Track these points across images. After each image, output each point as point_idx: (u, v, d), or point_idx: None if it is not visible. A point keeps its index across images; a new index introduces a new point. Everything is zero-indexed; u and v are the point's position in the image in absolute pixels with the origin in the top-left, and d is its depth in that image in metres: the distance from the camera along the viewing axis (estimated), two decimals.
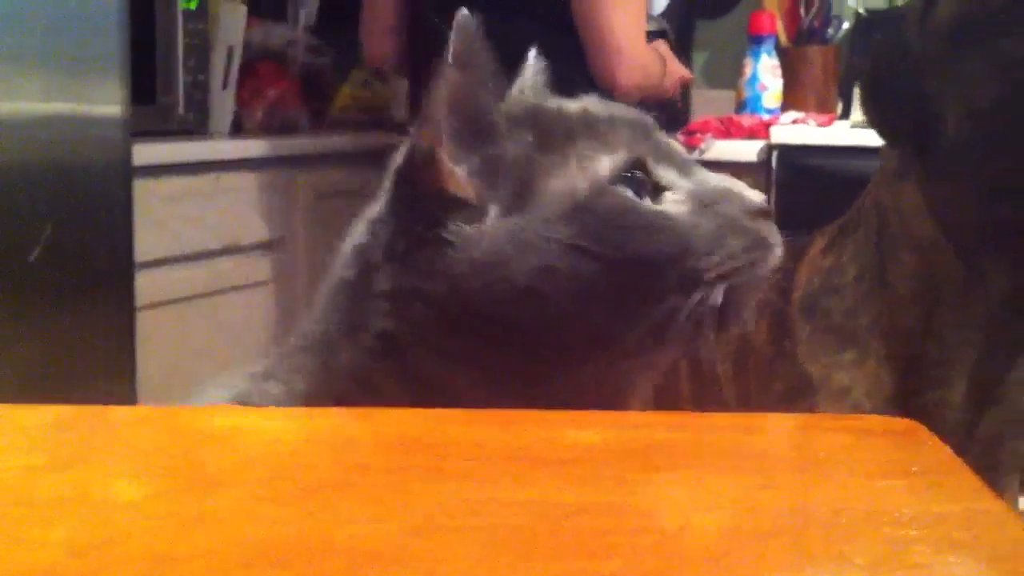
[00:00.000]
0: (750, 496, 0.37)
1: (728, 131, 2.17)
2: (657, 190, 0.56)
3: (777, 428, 0.45)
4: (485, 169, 0.55)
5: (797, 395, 0.79)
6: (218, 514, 0.36)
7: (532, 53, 0.67)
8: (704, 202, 0.56)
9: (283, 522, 0.35)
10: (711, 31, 2.64)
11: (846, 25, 2.50)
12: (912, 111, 0.75)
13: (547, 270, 0.53)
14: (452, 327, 0.54)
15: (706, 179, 0.58)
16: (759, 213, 0.57)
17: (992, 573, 0.32)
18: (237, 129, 2.19)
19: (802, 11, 2.47)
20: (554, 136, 0.56)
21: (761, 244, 0.56)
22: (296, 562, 0.32)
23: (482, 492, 0.38)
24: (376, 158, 1.94)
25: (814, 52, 2.48)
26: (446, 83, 0.53)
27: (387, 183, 0.57)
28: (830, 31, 2.51)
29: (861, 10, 2.39)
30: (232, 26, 2.17)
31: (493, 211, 0.54)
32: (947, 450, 0.42)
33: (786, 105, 2.39)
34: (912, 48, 0.76)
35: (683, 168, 0.58)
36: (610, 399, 0.57)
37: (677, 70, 1.94)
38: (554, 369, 0.55)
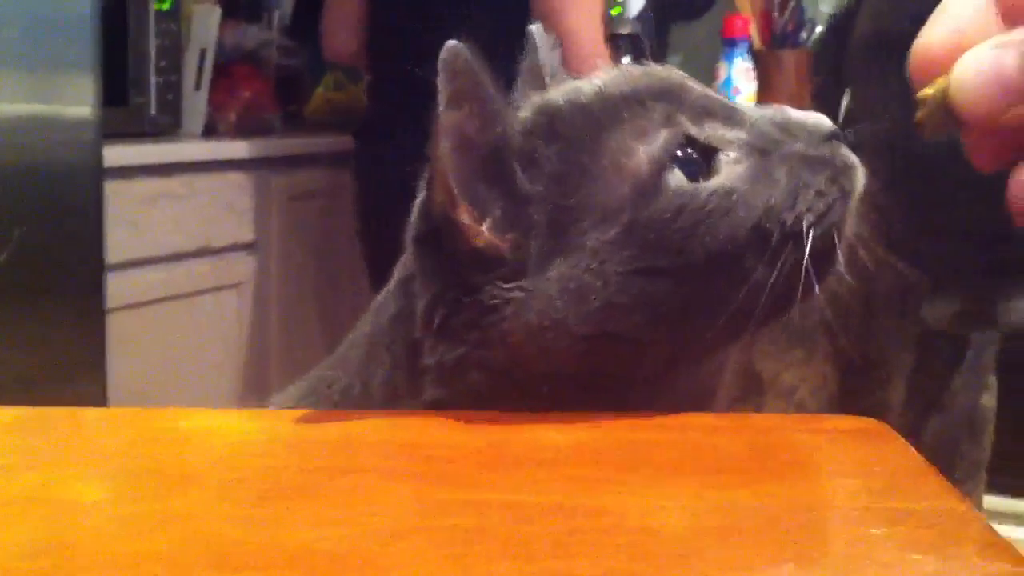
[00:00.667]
0: (718, 496, 0.37)
1: None
2: (708, 155, 0.49)
3: (744, 428, 0.45)
4: (513, 216, 0.48)
5: (748, 393, 0.80)
6: (181, 516, 0.35)
7: (535, 28, 0.59)
8: (765, 149, 0.49)
9: (247, 525, 0.35)
10: (686, 34, 2.65)
11: (820, 29, 2.51)
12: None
13: (611, 308, 0.46)
14: (515, 386, 0.48)
15: (757, 120, 0.50)
16: (828, 136, 0.50)
17: (956, 572, 0.32)
18: (210, 131, 2.17)
19: (775, 15, 2.48)
20: (578, 140, 0.49)
21: (843, 172, 0.49)
22: (259, 565, 0.32)
23: (453, 494, 0.38)
24: (350, 160, 1.93)
25: (787, 55, 2.49)
26: (446, 131, 0.45)
27: (408, 248, 0.51)
28: (803, 34, 2.51)
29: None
30: (205, 27, 2.16)
31: (534, 260, 0.47)
32: (912, 450, 0.43)
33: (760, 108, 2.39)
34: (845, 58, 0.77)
35: (728, 117, 0.50)
36: (704, 390, 0.52)
37: None
38: (635, 386, 0.48)
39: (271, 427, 0.47)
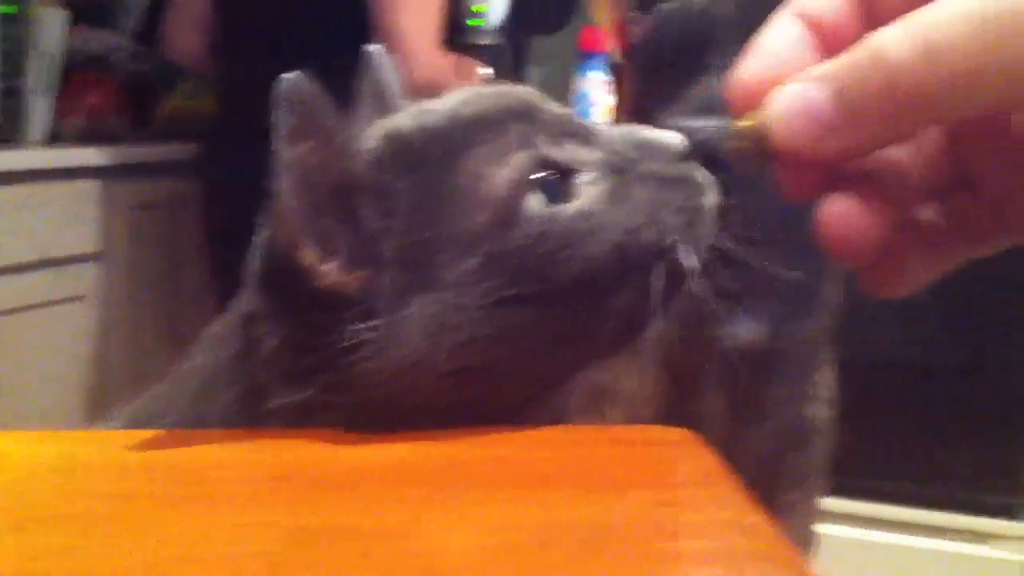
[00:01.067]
0: (518, 512, 0.37)
1: None
2: (565, 176, 0.47)
3: (553, 440, 0.45)
4: (362, 253, 0.45)
5: (592, 404, 0.80)
6: None
7: (375, 48, 0.57)
8: (622, 169, 0.48)
9: (24, 555, 0.33)
10: (546, 46, 2.67)
11: None
12: None
13: (475, 343, 0.45)
14: (365, 425, 0.45)
15: (613, 140, 0.50)
16: (681, 155, 0.49)
17: None
18: (56, 138, 2.10)
19: (634, 27, 2.51)
20: (431, 168, 0.47)
21: (698, 189, 0.49)
22: None
23: (244, 517, 0.37)
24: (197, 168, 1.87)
25: None
26: (287, 167, 0.42)
27: (251, 287, 0.48)
28: None
29: None
30: (52, 32, 2.08)
31: (390, 297, 0.45)
32: (717, 460, 0.43)
33: (619, 120, 2.43)
34: None
35: (585, 137, 0.49)
36: (562, 406, 0.50)
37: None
38: (495, 415, 0.47)
39: (67, 450, 0.45)
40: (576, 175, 0.48)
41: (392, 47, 1.76)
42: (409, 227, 0.46)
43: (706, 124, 0.65)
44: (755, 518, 0.37)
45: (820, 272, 0.76)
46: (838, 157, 0.38)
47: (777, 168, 0.40)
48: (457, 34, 1.97)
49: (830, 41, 0.38)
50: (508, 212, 0.46)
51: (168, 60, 2.06)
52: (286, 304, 0.46)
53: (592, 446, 0.45)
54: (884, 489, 2.02)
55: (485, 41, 2.10)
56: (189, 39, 1.89)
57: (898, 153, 0.42)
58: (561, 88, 2.59)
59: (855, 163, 0.41)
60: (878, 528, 2.03)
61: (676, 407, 0.61)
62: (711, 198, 0.49)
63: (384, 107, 0.54)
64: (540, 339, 0.46)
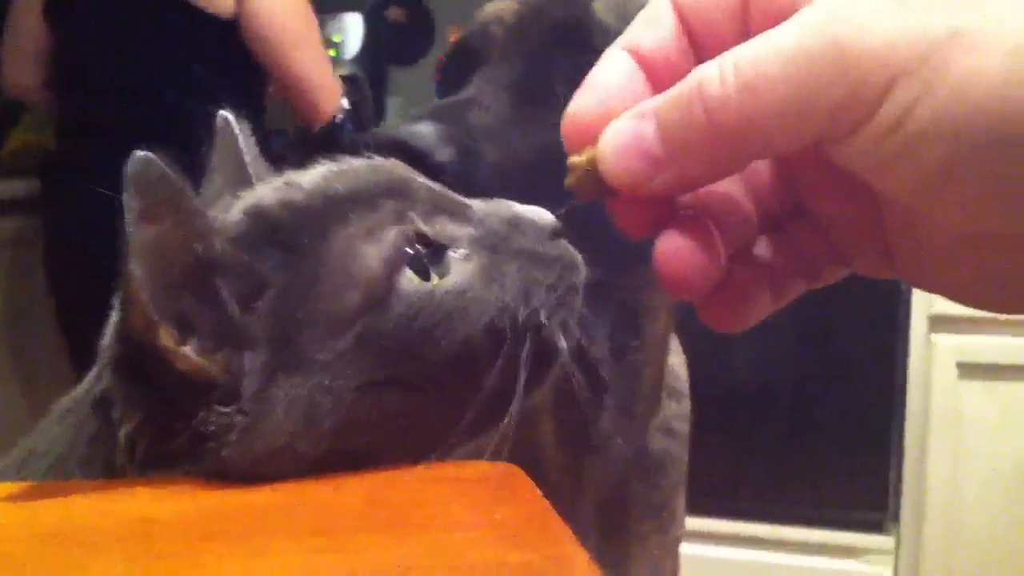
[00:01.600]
0: (310, 560, 0.34)
1: None
2: (436, 253, 0.47)
3: (364, 484, 0.42)
4: (222, 334, 0.43)
5: None
6: None
7: (226, 116, 0.54)
8: (494, 245, 0.48)
9: None
10: (405, 77, 2.66)
11: None
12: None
13: (345, 426, 0.43)
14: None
15: (485, 216, 0.49)
16: (552, 232, 0.50)
17: None
18: None
19: None
20: (299, 246, 0.44)
21: (569, 267, 0.49)
22: None
23: None
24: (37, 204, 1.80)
25: None
26: (139, 249, 0.40)
27: (103, 366, 0.45)
28: None
29: None
30: None
31: (256, 379, 0.43)
32: (538, 496, 0.41)
33: None
34: None
35: (457, 213, 0.49)
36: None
37: None
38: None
39: None
40: (447, 251, 0.47)
41: (305, 86, 1.80)
42: (277, 306, 0.44)
43: (421, 130, 0.62)
44: (574, 554, 0.36)
45: (643, 298, 0.75)
46: (668, 191, 0.38)
47: (612, 206, 0.41)
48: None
49: (660, 75, 0.39)
50: (381, 290, 0.44)
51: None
52: (143, 387, 0.43)
53: (409, 485, 0.42)
54: (756, 508, 2.04)
55: (341, 72, 2.08)
56: (25, 72, 1.82)
57: (731, 186, 0.43)
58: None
59: (691, 197, 0.42)
60: (751, 547, 2.05)
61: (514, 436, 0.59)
62: (581, 276, 0.50)
63: (239, 176, 0.51)
64: (412, 419, 0.45)
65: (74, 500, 0.41)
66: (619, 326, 0.74)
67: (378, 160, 0.50)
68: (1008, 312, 0.38)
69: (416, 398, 0.45)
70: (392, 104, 2.65)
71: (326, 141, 1.82)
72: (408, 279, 0.45)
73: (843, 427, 1.99)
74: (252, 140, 0.54)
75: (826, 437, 2.00)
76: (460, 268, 0.47)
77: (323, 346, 0.43)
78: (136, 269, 0.40)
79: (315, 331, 0.43)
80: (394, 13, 2.41)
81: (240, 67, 1.78)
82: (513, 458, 0.45)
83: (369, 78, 2.16)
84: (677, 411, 0.86)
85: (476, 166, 0.65)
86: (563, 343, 0.48)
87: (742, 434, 2.06)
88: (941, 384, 1.90)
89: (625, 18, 0.74)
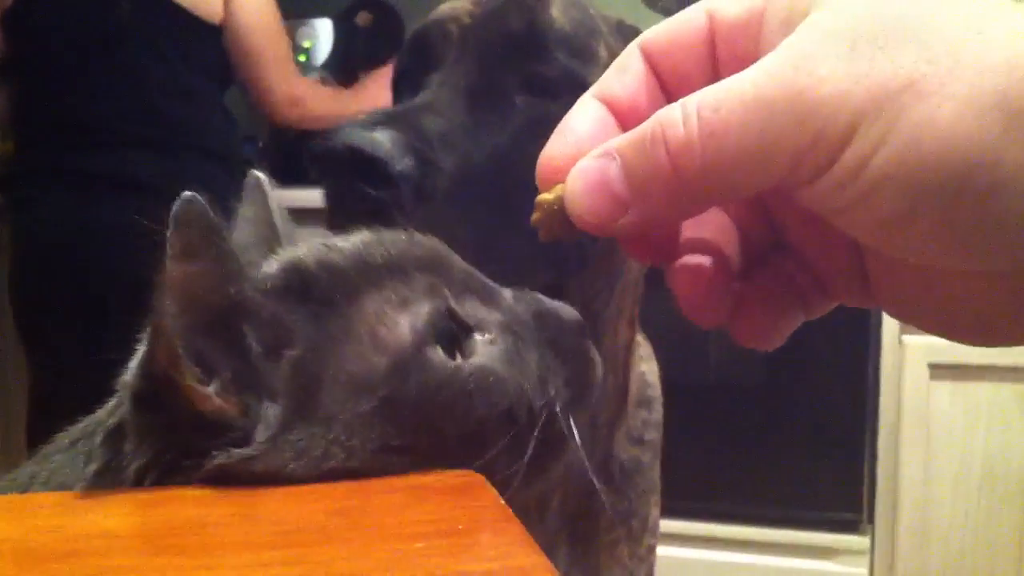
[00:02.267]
0: (270, 574, 0.34)
1: None
2: (466, 333, 0.48)
3: (324, 495, 0.41)
4: (246, 379, 0.43)
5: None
6: None
7: (257, 176, 0.55)
8: (519, 333, 0.49)
9: None
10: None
11: None
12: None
13: (345, 472, 0.44)
14: None
15: (513, 304, 0.51)
16: (577, 330, 0.51)
17: None
18: None
19: None
20: (332, 304, 0.46)
21: (587, 367, 0.51)
22: None
23: None
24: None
25: None
26: (173, 286, 0.40)
27: (122, 400, 0.46)
28: None
29: None
30: None
31: (275, 425, 0.43)
32: (500, 504, 0.41)
33: None
34: None
35: (487, 297, 0.50)
36: None
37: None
38: None
39: None
40: (474, 334, 0.48)
41: (274, 98, 1.83)
42: (302, 360, 0.44)
43: (379, 138, 0.62)
44: (534, 562, 0.35)
45: (598, 306, 0.75)
46: (633, 231, 0.38)
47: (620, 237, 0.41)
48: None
49: (631, 122, 0.39)
50: (411, 360, 0.45)
51: None
52: (161, 423, 0.43)
53: (370, 495, 0.42)
54: (730, 510, 2.05)
55: (312, 77, 2.07)
56: None
57: (716, 218, 0.43)
58: None
59: (689, 229, 0.43)
60: (726, 548, 2.05)
61: None
62: (598, 375, 0.51)
63: (268, 235, 0.53)
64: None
65: (27, 516, 0.40)
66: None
67: (418, 236, 0.50)
68: (980, 344, 0.39)
69: (422, 464, 0.45)
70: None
71: (297, 150, 1.84)
72: (437, 353, 0.46)
73: (816, 428, 2.00)
74: (280, 208, 0.55)
75: (799, 438, 2.01)
76: (485, 351, 0.48)
77: (344, 405, 0.44)
78: (167, 304, 0.40)
79: (338, 389, 0.44)
80: (363, 18, 2.40)
81: (225, 71, 1.78)
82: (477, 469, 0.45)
83: (340, 83, 2.15)
84: (647, 419, 0.85)
85: (434, 175, 0.64)
86: (576, 437, 0.49)
87: (715, 435, 2.06)
88: (913, 384, 1.91)
89: (583, 24, 0.73)
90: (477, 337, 0.48)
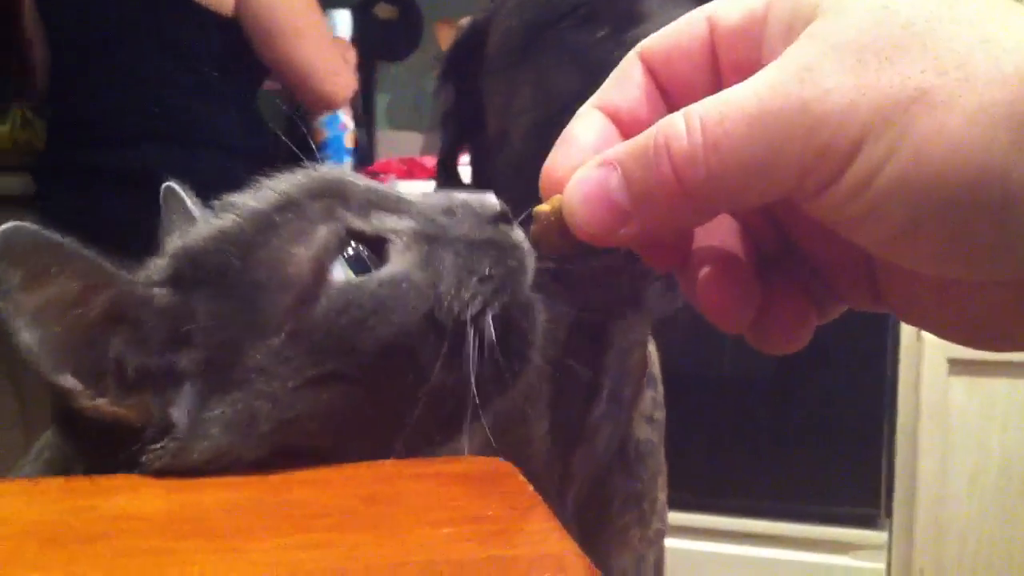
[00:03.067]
0: (296, 558, 0.34)
1: (411, 172, 2.17)
2: (378, 248, 0.46)
3: (352, 480, 0.41)
4: (143, 378, 0.43)
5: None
6: None
7: (171, 186, 0.56)
8: (433, 235, 0.47)
9: None
10: (394, 74, 2.65)
11: None
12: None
13: (284, 426, 0.43)
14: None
15: (426, 208, 0.49)
16: (495, 218, 0.48)
17: None
18: None
19: None
20: (227, 272, 0.45)
21: (508, 253, 0.47)
22: None
23: None
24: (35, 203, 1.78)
25: None
26: (29, 318, 0.40)
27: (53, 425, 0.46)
28: None
29: None
30: None
31: (190, 408, 0.43)
32: (529, 491, 0.40)
33: None
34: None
35: (395, 207, 0.48)
36: None
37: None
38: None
39: None
40: (387, 244, 0.47)
41: (300, 80, 1.80)
42: (210, 335, 0.44)
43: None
44: (564, 549, 0.35)
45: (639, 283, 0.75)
46: (634, 242, 0.38)
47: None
48: None
49: (633, 133, 0.38)
50: (312, 288, 0.44)
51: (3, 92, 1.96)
52: (81, 436, 0.44)
53: (398, 481, 0.42)
54: (747, 504, 2.04)
55: None
56: None
57: (725, 223, 0.43)
58: (411, 114, 2.58)
59: (700, 234, 0.42)
60: (743, 543, 2.04)
61: (500, 433, 0.59)
62: (523, 261, 0.48)
63: None
64: (354, 416, 0.45)
65: (53, 498, 0.40)
66: (603, 314, 0.74)
67: (318, 168, 0.50)
68: (993, 350, 0.39)
69: (356, 393, 0.44)
70: (381, 100, 2.65)
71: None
72: (342, 274, 0.45)
73: (833, 422, 1.99)
74: (184, 207, 0.55)
75: (816, 432, 2.00)
76: (398, 258, 0.46)
77: (255, 351, 0.43)
78: (27, 337, 0.40)
79: (247, 342, 0.44)
80: (382, 9, 2.40)
81: (238, 65, 1.77)
82: (502, 455, 0.45)
83: (358, 75, 2.15)
84: (655, 398, 0.85)
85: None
86: (491, 334, 0.46)
87: (732, 429, 2.05)
88: (931, 379, 1.90)
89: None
90: (390, 247, 0.47)
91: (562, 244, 0.40)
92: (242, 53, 1.75)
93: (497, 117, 0.74)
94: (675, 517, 1.90)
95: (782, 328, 0.42)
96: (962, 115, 0.30)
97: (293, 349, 0.43)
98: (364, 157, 2.34)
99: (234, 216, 0.47)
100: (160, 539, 0.36)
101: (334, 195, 0.47)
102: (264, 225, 0.46)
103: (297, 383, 0.43)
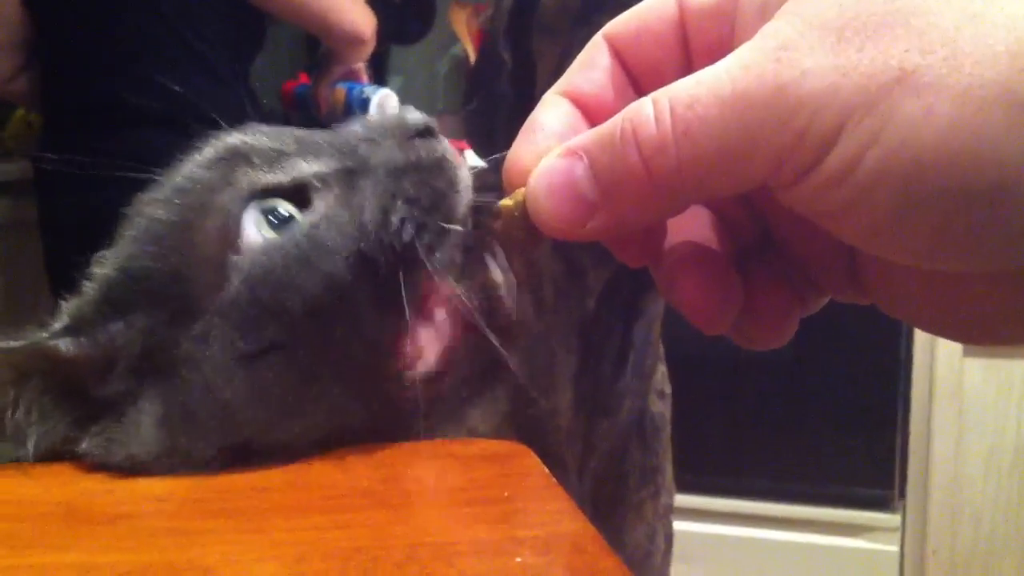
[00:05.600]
0: (318, 538, 0.34)
1: None
2: (301, 197, 0.43)
3: (371, 462, 0.42)
4: (98, 410, 0.43)
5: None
6: None
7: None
8: (352, 168, 0.43)
9: None
10: (406, 56, 2.64)
11: None
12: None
13: (230, 412, 0.41)
14: None
15: (342, 142, 0.45)
16: (417, 134, 0.44)
17: None
18: None
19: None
20: (150, 280, 0.43)
21: (435, 171, 0.44)
22: None
23: (15, 558, 0.33)
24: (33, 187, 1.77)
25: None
26: None
27: None
28: None
29: None
30: None
31: (147, 429, 0.42)
32: (544, 472, 0.41)
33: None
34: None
35: (308, 150, 0.45)
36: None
37: None
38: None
39: None
40: (309, 191, 0.44)
41: (323, 26, 1.77)
42: (149, 351, 0.42)
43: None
44: (579, 528, 0.35)
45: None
46: (602, 235, 0.36)
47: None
48: (315, 44, 1.94)
49: (600, 119, 0.36)
50: (222, 259, 0.42)
51: None
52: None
53: (416, 463, 0.42)
54: (761, 487, 2.04)
55: None
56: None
57: (700, 215, 0.41)
58: (424, 96, 2.58)
59: (673, 227, 0.40)
60: (756, 525, 2.05)
61: (522, 409, 0.58)
62: (452, 173, 0.44)
63: None
64: (308, 396, 0.42)
65: (82, 478, 0.41)
66: (634, 282, 0.73)
67: (221, 139, 0.47)
68: (969, 343, 0.36)
69: (300, 363, 0.41)
70: (393, 83, 2.64)
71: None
72: (254, 235, 0.42)
73: (848, 404, 1.99)
74: None
75: (831, 414, 2.00)
76: (319, 202, 0.43)
77: (179, 339, 0.41)
78: None
79: (172, 333, 0.42)
80: None
81: (234, 39, 1.76)
82: (521, 431, 0.45)
83: (370, 57, 2.14)
84: (664, 372, 0.86)
85: None
86: (435, 263, 0.43)
87: (746, 411, 2.06)
88: (946, 360, 1.90)
89: None
90: (312, 194, 0.44)
91: (527, 239, 0.38)
92: (238, 27, 1.74)
93: (549, 76, 0.74)
94: (690, 500, 1.91)
95: (765, 324, 0.40)
96: (950, 96, 0.28)
97: (220, 328, 0.41)
98: None
99: (140, 227, 0.44)
100: (180, 519, 0.37)
101: (232, 158, 0.44)
102: (175, 217, 0.43)
103: (229, 363, 0.41)
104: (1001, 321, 0.34)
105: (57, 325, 0.44)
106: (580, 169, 0.34)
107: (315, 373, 0.42)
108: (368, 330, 0.42)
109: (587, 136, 0.35)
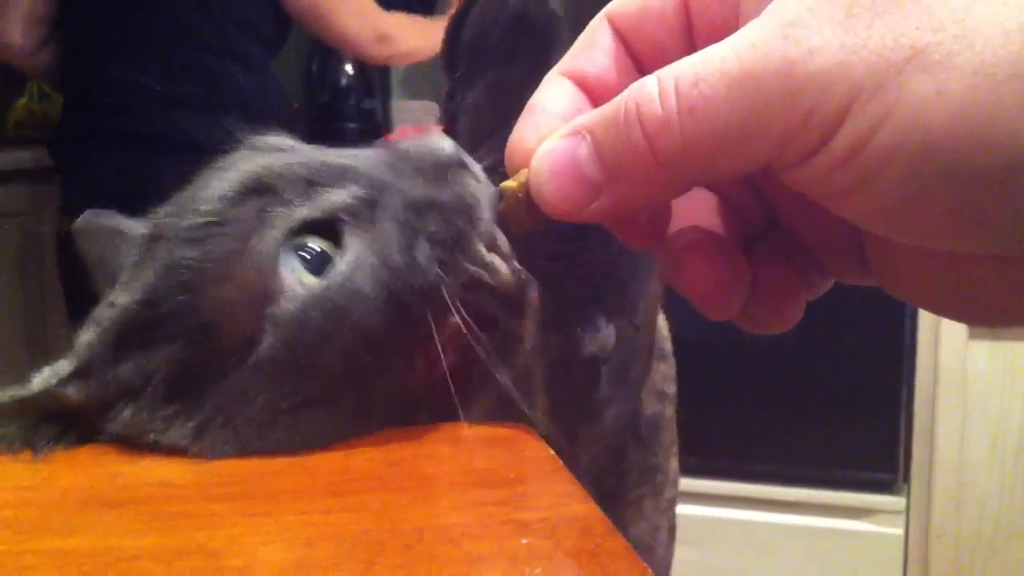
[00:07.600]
0: (324, 522, 0.34)
1: None
2: (332, 229, 0.41)
3: (379, 446, 0.42)
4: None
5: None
6: None
7: (91, 221, 0.53)
8: (375, 201, 0.42)
9: None
10: None
11: None
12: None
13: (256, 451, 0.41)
14: None
15: (368, 168, 0.43)
16: (445, 167, 0.43)
17: None
18: None
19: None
20: (181, 318, 0.41)
21: (455, 207, 0.42)
22: None
23: (22, 543, 0.33)
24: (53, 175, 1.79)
25: None
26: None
27: None
28: None
29: None
30: None
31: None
32: (550, 455, 0.41)
33: None
34: None
35: (338, 176, 0.42)
36: None
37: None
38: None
39: None
40: (339, 225, 0.41)
41: (343, 47, 1.80)
42: (176, 385, 0.41)
43: None
44: (586, 511, 0.36)
45: (633, 270, 0.75)
46: (606, 217, 0.35)
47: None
48: None
49: (601, 100, 0.36)
50: (259, 314, 0.40)
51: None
52: None
53: (424, 446, 0.42)
54: (765, 470, 2.05)
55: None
56: (20, 33, 1.76)
57: (704, 198, 0.40)
58: (427, 83, 2.57)
59: (677, 209, 0.39)
60: (761, 509, 2.05)
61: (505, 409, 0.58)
62: (482, 209, 0.43)
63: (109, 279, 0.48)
64: (344, 432, 0.42)
65: (91, 463, 0.41)
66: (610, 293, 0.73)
67: (241, 162, 0.44)
68: (977, 324, 0.36)
69: (337, 413, 0.41)
70: (396, 69, 2.64)
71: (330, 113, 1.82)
72: (295, 284, 0.40)
73: (852, 387, 1.99)
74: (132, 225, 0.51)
75: (835, 397, 2.00)
76: (351, 241, 0.41)
77: (216, 391, 0.40)
78: None
79: (207, 379, 0.41)
80: None
81: (261, 26, 1.76)
82: None
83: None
84: (665, 372, 0.85)
85: None
86: (460, 311, 0.41)
87: (750, 395, 2.06)
88: (950, 343, 1.90)
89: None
90: (344, 228, 0.41)
91: (531, 220, 0.37)
92: (272, 19, 1.75)
93: None
94: (695, 483, 1.91)
95: (771, 308, 0.39)
96: (962, 74, 0.28)
97: (255, 387, 0.40)
98: (380, 126, 2.35)
99: (160, 267, 0.42)
100: (187, 503, 0.37)
101: (262, 192, 0.41)
102: (196, 254, 0.41)
103: (265, 419, 0.40)
104: (1009, 302, 0.33)
105: (67, 368, 0.42)
106: (583, 149, 0.34)
107: (353, 417, 0.42)
108: (400, 375, 0.42)
109: (590, 116, 0.34)
